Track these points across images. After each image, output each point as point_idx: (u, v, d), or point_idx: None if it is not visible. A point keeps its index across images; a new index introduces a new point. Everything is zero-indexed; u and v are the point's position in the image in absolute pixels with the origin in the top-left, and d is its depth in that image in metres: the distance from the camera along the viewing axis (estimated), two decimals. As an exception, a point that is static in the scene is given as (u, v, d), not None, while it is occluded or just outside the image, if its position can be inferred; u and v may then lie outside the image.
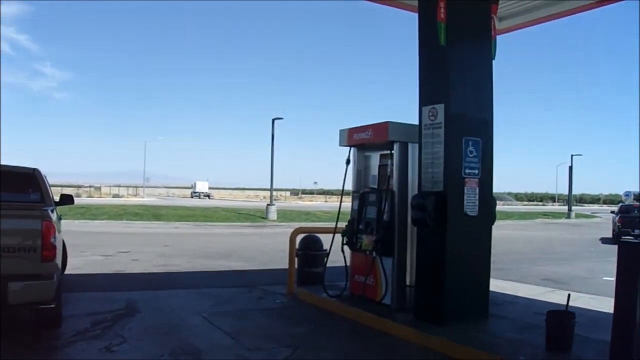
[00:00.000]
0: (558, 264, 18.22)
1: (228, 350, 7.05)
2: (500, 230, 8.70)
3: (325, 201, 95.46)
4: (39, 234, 6.77)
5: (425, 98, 8.25)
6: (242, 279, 13.16)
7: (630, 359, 5.69)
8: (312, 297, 10.09)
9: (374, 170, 9.93)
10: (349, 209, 10.05)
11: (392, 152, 8.94)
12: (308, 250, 11.05)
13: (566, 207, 69.81)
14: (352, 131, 9.76)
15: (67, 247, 11.94)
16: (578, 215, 62.95)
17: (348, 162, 9.84)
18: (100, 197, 78.29)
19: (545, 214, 64.25)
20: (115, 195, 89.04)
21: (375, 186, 9.73)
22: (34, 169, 8.97)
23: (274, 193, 45.72)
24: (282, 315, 9.23)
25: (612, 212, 32.19)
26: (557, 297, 10.66)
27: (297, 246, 11.13)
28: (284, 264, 11.30)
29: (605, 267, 16.16)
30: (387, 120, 9.00)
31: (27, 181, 8.69)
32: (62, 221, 10.93)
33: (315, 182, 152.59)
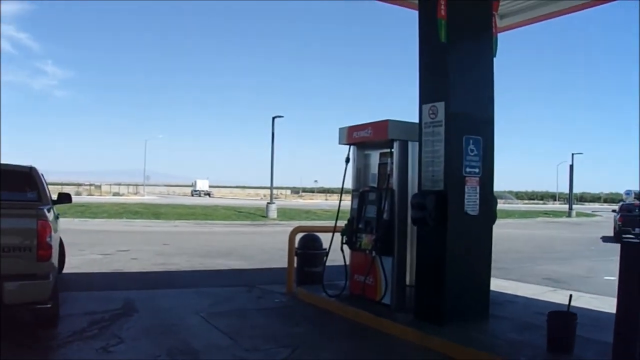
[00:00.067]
0: (559, 263, 18.16)
1: (226, 350, 6.98)
2: (500, 229, 8.65)
3: (326, 199, 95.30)
4: (35, 233, 6.70)
5: (426, 96, 8.18)
6: (241, 278, 13.08)
7: (633, 359, 5.65)
8: (311, 297, 10.02)
9: (374, 169, 9.86)
10: (349, 208, 9.97)
11: (392, 150, 8.86)
12: (307, 249, 10.99)
13: (567, 206, 69.80)
14: (352, 129, 9.69)
15: (65, 245, 11.90)
16: (579, 214, 62.94)
17: (348, 160, 9.77)
18: (100, 196, 78.40)
19: (546, 213, 64.26)
20: (116, 194, 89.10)
21: (375, 185, 9.66)
22: (31, 168, 8.91)
23: (275, 191, 45.72)
24: (281, 315, 9.15)
25: (614, 210, 32.30)
26: (558, 296, 10.59)
27: (296, 245, 11.06)
28: (284, 263, 11.24)
29: (606, 266, 16.13)
30: (387, 118, 8.92)
31: (24, 180, 8.63)
32: (61, 220, 10.89)
33: (316, 181, 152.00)
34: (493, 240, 8.42)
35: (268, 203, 41.71)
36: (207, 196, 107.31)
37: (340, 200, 10.13)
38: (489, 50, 8.39)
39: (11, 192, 8.00)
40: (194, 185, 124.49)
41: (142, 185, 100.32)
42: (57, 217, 9.68)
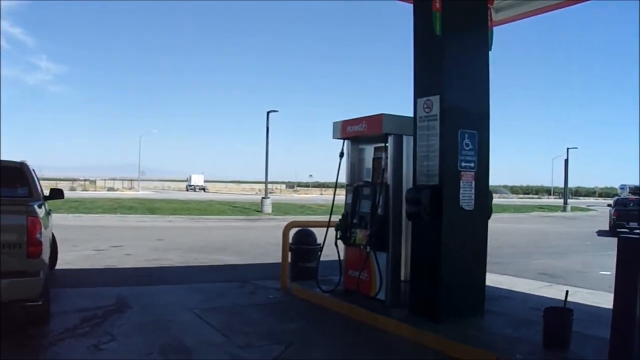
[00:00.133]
0: (554, 257, 18.17)
1: (219, 347, 6.92)
2: (496, 223, 8.62)
3: (321, 194, 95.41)
4: (24, 230, 6.61)
5: (420, 90, 8.10)
6: (235, 273, 13.02)
7: (630, 355, 5.61)
8: (305, 292, 9.96)
9: (368, 164, 9.78)
10: (343, 203, 9.90)
11: (387, 144, 8.78)
12: (301, 244, 10.94)
13: (562, 200, 69.85)
14: (346, 123, 9.61)
15: (58, 241, 11.82)
16: (574, 209, 63.08)
17: (342, 155, 9.68)
18: (95, 191, 78.24)
19: (541, 207, 64.32)
20: (110, 189, 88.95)
21: (370, 179, 9.59)
22: (22, 163, 8.82)
23: (270, 186, 45.72)
24: (275, 311, 9.08)
25: (609, 205, 32.55)
26: (553, 291, 10.58)
27: (290, 240, 10.99)
28: (278, 258, 11.18)
29: (602, 261, 16.13)
30: (381, 112, 8.84)
31: (15, 175, 8.54)
32: (55, 215, 10.81)
33: (311, 175, 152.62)
34: (488, 235, 8.37)
35: (263, 198, 41.58)
36: (202, 191, 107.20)
37: (334, 195, 10.06)
38: (485, 43, 8.31)
39: (2, 188, 7.90)
40: (189, 180, 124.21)
41: (137, 180, 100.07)
42: (48, 213, 9.60)
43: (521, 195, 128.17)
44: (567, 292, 6.70)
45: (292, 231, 11.15)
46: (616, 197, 37.31)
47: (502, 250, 18.28)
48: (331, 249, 9.57)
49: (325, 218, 9.98)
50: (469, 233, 8.00)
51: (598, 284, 11.73)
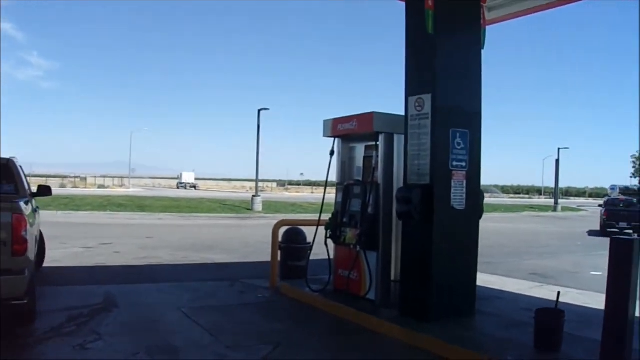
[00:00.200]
0: (545, 257, 18.17)
1: (206, 348, 6.84)
2: (487, 223, 8.61)
3: (312, 192, 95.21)
4: (9, 227, 6.51)
5: (412, 88, 8.03)
6: (225, 272, 12.93)
7: (622, 357, 5.59)
8: (294, 292, 9.89)
9: (359, 162, 9.73)
10: (334, 202, 9.83)
11: (377, 143, 8.72)
12: (291, 243, 10.88)
13: (552, 200, 70.01)
14: (337, 122, 9.53)
15: (47, 238, 11.74)
16: (564, 209, 63.22)
17: (332, 153, 9.61)
18: (85, 188, 77.90)
19: (532, 207, 64.40)
20: (101, 186, 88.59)
21: (360, 178, 9.53)
22: (8, 159, 8.73)
23: (261, 184, 45.63)
24: (264, 311, 9.01)
25: (600, 205, 32.99)
26: (544, 292, 10.56)
27: (280, 239, 10.91)
28: (268, 257, 11.08)
29: (593, 262, 16.16)
30: (372, 110, 8.77)
31: (1, 172, 8.44)
32: (44, 212, 10.72)
33: (302, 174, 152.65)
34: (479, 235, 8.31)
35: (253, 196, 41.47)
36: (193, 189, 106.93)
37: (325, 194, 9.97)
38: (477, 42, 8.25)
39: None
40: (179, 177, 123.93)
41: (128, 177, 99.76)
42: (35, 210, 9.50)
43: (512, 195, 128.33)
44: (558, 293, 6.65)
45: (282, 230, 11.07)
46: (607, 198, 37.71)
47: (492, 250, 18.25)
48: (321, 247, 9.49)
49: (315, 217, 9.90)
50: (460, 233, 7.94)
51: (589, 285, 11.71)
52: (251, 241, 19.80)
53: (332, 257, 9.54)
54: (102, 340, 6.86)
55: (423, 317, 7.63)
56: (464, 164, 7.83)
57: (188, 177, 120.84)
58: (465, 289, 8.06)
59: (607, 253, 5.74)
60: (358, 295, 8.88)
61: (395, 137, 8.63)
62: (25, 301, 6.77)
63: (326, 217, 9.65)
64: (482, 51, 8.33)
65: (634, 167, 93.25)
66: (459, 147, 7.76)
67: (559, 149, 66.66)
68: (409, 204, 7.63)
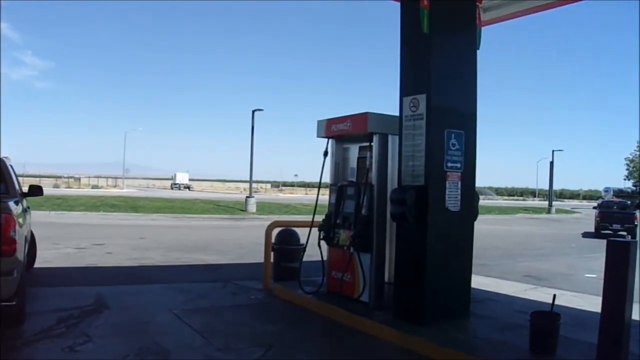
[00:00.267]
0: (539, 260, 18.16)
1: (197, 350, 6.75)
2: (481, 225, 8.58)
3: (306, 194, 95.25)
4: None
5: (407, 88, 7.95)
6: (217, 273, 12.86)
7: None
8: (287, 294, 9.81)
9: (353, 163, 9.65)
10: (327, 203, 9.75)
11: (372, 144, 8.66)
12: (284, 244, 10.80)
13: (546, 202, 70.11)
14: (331, 122, 9.46)
15: (39, 239, 11.66)
16: (558, 211, 63.37)
17: (326, 154, 9.53)
18: (79, 188, 77.76)
19: (526, 209, 64.46)
20: (95, 187, 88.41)
21: (354, 179, 9.45)
22: (-1, 159, 8.64)
23: (255, 185, 45.53)
24: (256, 312, 8.92)
25: (594, 207, 33.57)
26: (539, 294, 10.54)
27: (273, 240, 10.84)
28: (261, 258, 11.01)
29: (587, 264, 16.17)
30: (366, 111, 8.70)
31: None
32: (37, 213, 10.64)
33: (296, 175, 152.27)
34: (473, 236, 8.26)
35: (247, 197, 41.36)
36: (187, 189, 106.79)
37: (318, 195, 9.91)
38: (473, 42, 8.19)
39: None
40: (173, 178, 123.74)
41: (122, 178, 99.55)
42: (26, 210, 9.41)
43: (506, 197, 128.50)
44: (554, 296, 6.59)
45: (276, 231, 10.99)
46: (601, 200, 38.14)
47: (487, 251, 18.24)
48: (315, 249, 9.42)
49: (309, 218, 9.83)
50: (455, 234, 7.88)
51: (583, 287, 11.70)
52: (244, 242, 19.73)
53: (325, 258, 9.47)
54: (91, 342, 6.77)
55: (417, 319, 7.56)
56: (458, 165, 7.77)
57: (182, 178, 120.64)
58: (460, 291, 8.00)
59: (601, 255, 5.71)
60: (351, 297, 8.81)
61: (390, 137, 8.55)
62: (14, 302, 6.69)
63: (320, 218, 9.57)
64: (477, 52, 8.29)
65: (627, 169, 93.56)
66: (453, 148, 7.70)
67: (553, 151, 66.94)
68: (403, 205, 7.56)
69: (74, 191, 61.48)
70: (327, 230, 9.39)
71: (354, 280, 8.83)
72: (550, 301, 6.52)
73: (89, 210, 33.25)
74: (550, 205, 63.45)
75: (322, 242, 9.45)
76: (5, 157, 8.96)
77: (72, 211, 32.36)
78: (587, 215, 50.83)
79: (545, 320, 6.39)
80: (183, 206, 39.37)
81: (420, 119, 7.61)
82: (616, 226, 29.21)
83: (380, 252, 8.60)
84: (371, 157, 8.68)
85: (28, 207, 10.18)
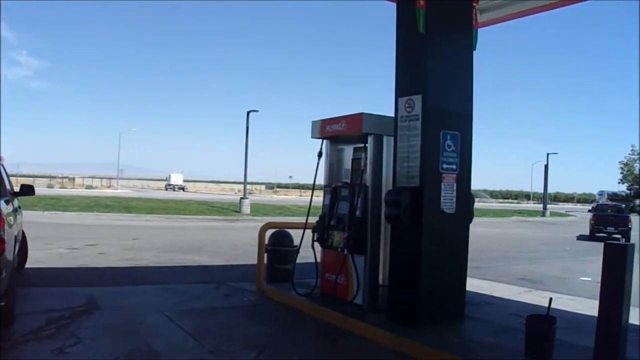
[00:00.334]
0: (534, 262, 18.14)
1: (189, 352, 6.67)
2: (475, 227, 8.53)
3: (300, 195, 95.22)
4: None
5: (402, 89, 7.89)
6: (211, 274, 12.77)
7: (615, 363, 5.50)
8: (281, 295, 9.73)
9: (347, 164, 9.57)
10: (321, 204, 9.68)
11: (366, 145, 8.59)
12: (278, 246, 10.72)
13: (541, 205, 70.27)
14: (325, 122, 9.39)
15: (32, 239, 11.58)
16: (553, 214, 63.48)
17: (320, 155, 9.46)
18: (73, 188, 77.66)
19: (520, 212, 64.54)
20: (89, 187, 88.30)
21: (348, 180, 9.37)
22: (-11, 158, 8.57)
23: (249, 187, 45.45)
24: (249, 314, 8.84)
25: (590, 210, 34.30)
26: (534, 297, 10.52)
27: (266, 242, 10.76)
28: (255, 259, 10.92)
29: (582, 267, 16.17)
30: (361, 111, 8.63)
31: None
32: (30, 212, 10.57)
33: (291, 177, 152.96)
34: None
35: (241, 198, 41.31)
36: (182, 190, 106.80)
37: (312, 196, 9.82)
38: (469, 43, 8.14)
39: None
40: (168, 179, 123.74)
41: (116, 178, 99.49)
42: (16, 210, 9.32)
43: (500, 200, 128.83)
44: (550, 299, 6.52)
45: (269, 232, 10.91)
46: (595, 203, 38.71)
47: (482, 254, 18.21)
48: (308, 250, 9.36)
49: (303, 219, 9.76)
50: (450, 236, 7.81)
51: (578, 290, 11.67)
52: (238, 243, 19.66)
53: (319, 260, 9.39)
54: (81, 344, 6.68)
55: (411, 322, 7.49)
56: (454, 166, 7.70)
57: (176, 179, 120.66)
58: (455, 294, 7.94)
59: (596, 258, 5.68)
60: (345, 300, 8.74)
61: (385, 138, 8.50)
62: (3, 303, 6.62)
63: (314, 219, 9.49)
64: (474, 53, 8.23)
65: (622, 173, 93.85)
66: (449, 150, 7.63)
67: (548, 154, 67.00)
68: (398, 207, 7.49)
69: (67, 191, 61.41)
70: (321, 231, 9.31)
71: (348, 283, 8.76)
72: (545, 304, 6.46)
73: (83, 211, 33.17)
74: (544, 208, 63.60)
75: (316, 244, 9.35)
76: None
77: (65, 211, 32.28)
78: (581, 218, 51.01)
79: (541, 324, 6.33)
80: (177, 207, 39.33)
81: (416, 120, 7.54)
82: (610, 229, 29.58)
83: (374, 254, 8.53)
84: (366, 158, 8.61)
85: (19, 207, 10.09)
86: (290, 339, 7.66)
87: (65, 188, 76.66)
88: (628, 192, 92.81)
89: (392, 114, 8.01)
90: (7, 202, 7.52)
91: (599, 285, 5.82)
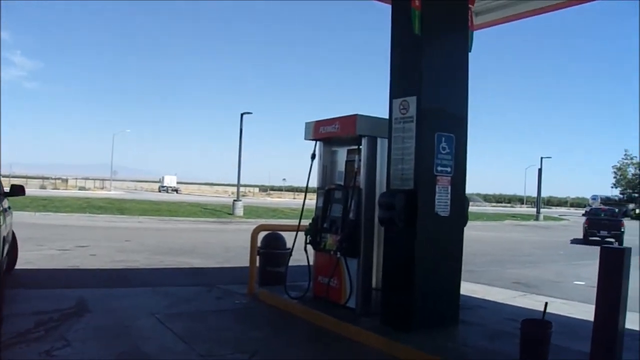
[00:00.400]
0: (528, 266, 18.14)
1: (179, 355, 6.58)
2: (469, 231, 8.47)
3: (294, 198, 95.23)
4: None
5: (397, 90, 7.80)
6: (202, 277, 12.69)
7: (611, 368, 5.45)
8: (273, 299, 9.64)
9: (341, 166, 9.50)
10: (314, 206, 9.60)
11: (360, 147, 8.51)
12: (270, 248, 10.63)
13: (534, 209, 70.35)
14: (319, 124, 9.31)
15: (23, 240, 11.48)
16: (546, 218, 63.49)
17: (313, 156, 9.38)
18: (66, 190, 77.50)
19: (514, 216, 64.57)
20: (82, 188, 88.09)
21: (342, 183, 9.29)
22: (-22, 159, 8.48)
23: (243, 189, 45.38)
24: (241, 317, 8.76)
25: (584, 214, 34.73)
26: (528, 301, 10.48)
27: (259, 244, 10.67)
28: (247, 262, 10.83)
29: (575, 271, 16.12)
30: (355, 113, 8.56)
31: None
32: (22, 213, 10.48)
33: (284, 179, 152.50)
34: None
35: (234, 200, 41.24)
36: (175, 192, 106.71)
37: (305, 199, 9.72)
38: (465, 44, 8.06)
39: None
40: (161, 181, 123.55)
41: (109, 180, 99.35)
42: (6, 211, 9.24)
43: (494, 204, 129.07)
44: (546, 304, 6.44)
45: (262, 235, 10.82)
46: (589, 207, 39.10)
47: (475, 258, 18.13)
48: (301, 253, 9.26)
49: (296, 222, 9.67)
50: (445, 240, 7.73)
51: (572, 295, 11.64)
52: (231, 246, 19.59)
53: (311, 263, 9.30)
54: (70, 347, 6.57)
55: (404, 325, 7.40)
56: (449, 169, 7.62)
57: (170, 181, 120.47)
58: (449, 298, 7.86)
59: (589, 262, 5.66)
60: (338, 303, 8.66)
61: (379, 140, 8.43)
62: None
63: (307, 222, 9.41)
64: (469, 55, 8.17)
65: (615, 177, 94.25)
66: (444, 152, 7.56)
67: (541, 158, 67.01)
68: (392, 210, 7.41)
69: (60, 192, 61.30)
70: (314, 234, 9.22)
71: (341, 286, 8.68)
72: (539, 308, 6.40)
73: (75, 212, 33.03)
74: (538, 212, 63.59)
75: (309, 247, 9.27)
76: None
77: (57, 212, 32.12)
78: (574, 222, 51.07)
79: (536, 329, 6.24)
80: (170, 209, 39.27)
81: (410, 122, 7.47)
82: (603, 233, 29.87)
83: (367, 257, 8.45)
84: (359, 160, 8.53)
85: (9, 208, 10.00)
86: (282, 343, 7.57)
87: (58, 189, 76.47)
88: (621, 196, 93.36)
89: (387, 116, 7.94)
90: (-5, 202, 7.43)
91: (593, 289, 5.79)
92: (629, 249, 5.66)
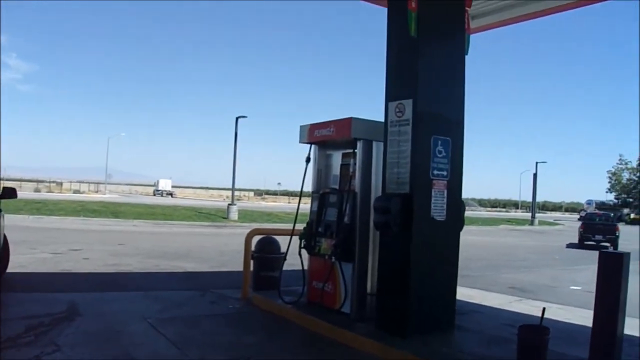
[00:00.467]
0: (523, 271, 18.11)
1: (170, 361, 6.49)
2: (464, 236, 8.40)
3: (289, 202, 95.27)
4: None
5: (392, 93, 7.73)
6: (196, 281, 12.62)
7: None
8: (267, 303, 9.56)
9: (336, 170, 9.42)
10: (309, 210, 9.52)
11: (355, 150, 8.45)
12: (264, 252, 10.54)
13: (529, 214, 70.43)
14: (314, 127, 9.23)
15: (15, 243, 11.40)
16: (541, 223, 63.66)
17: (308, 160, 9.29)
18: (60, 193, 77.41)
19: (509, 221, 64.63)
20: (76, 191, 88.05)
21: (337, 187, 9.22)
22: (-32, 161, 8.40)
23: (238, 193, 45.34)
24: (235, 322, 8.67)
25: (579, 219, 35.05)
26: (524, 306, 10.43)
27: (253, 248, 10.58)
28: (241, 266, 10.74)
29: (571, 276, 16.09)
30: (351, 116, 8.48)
31: None
32: (15, 216, 10.40)
33: (279, 183, 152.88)
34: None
35: (229, 204, 41.18)
36: (170, 196, 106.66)
37: (299, 202, 9.65)
38: (461, 47, 7.99)
39: None
40: (156, 185, 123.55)
41: (104, 183, 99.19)
42: (-3, 213, 9.15)
43: (489, 209, 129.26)
44: (543, 309, 6.37)
45: (256, 239, 10.74)
46: (585, 212, 39.40)
47: (471, 262, 18.07)
48: (295, 258, 9.18)
49: (291, 226, 9.59)
50: (440, 244, 7.65)
51: (568, 300, 11.58)
52: (225, 250, 19.52)
53: (306, 268, 9.22)
54: (60, 352, 6.47)
55: (400, 331, 7.32)
56: (445, 173, 7.55)
57: (165, 185, 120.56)
58: (445, 303, 7.78)
59: (585, 267, 5.62)
60: (332, 308, 8.57)
61: (374, 144, 8.34)
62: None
63: (301, 226, 9.33)
64: (465, 58, 8.10)
65: (609, 182, 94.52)
66: (440, 156, 7.48)
67: (536, 162, 67.14)
68: (387, 214, 7.33)
69: (54, 195, 61.20)
70: (308, 238, 9.14)
71: (336, 291, 8.59)
72: (536, 313, 6.37)
73: (69, 215, 32.98)
74: (533, 217, 63.77)
75: (303, 251, 9.19)
76: None
77: (51, 215, 32.07)
78: (569, 227, 51.18)
79: (534, 334, 6.17)
80: (164, 213, 39.20)
81: (406, 125, 7.39)
82: (598, 237, 30.13)
83: (362, 262, 8.37)
84: (355, 163, 8.47)
85: (0, 210, 9.90)
86: (276, 348, 7.47)
87: (53, 192, 76.34)
88: (616, 201, 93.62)
89: (382, 119, 7.86)
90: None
91: (590, 294, 5.74)
92: (628, 254, 5.60)
